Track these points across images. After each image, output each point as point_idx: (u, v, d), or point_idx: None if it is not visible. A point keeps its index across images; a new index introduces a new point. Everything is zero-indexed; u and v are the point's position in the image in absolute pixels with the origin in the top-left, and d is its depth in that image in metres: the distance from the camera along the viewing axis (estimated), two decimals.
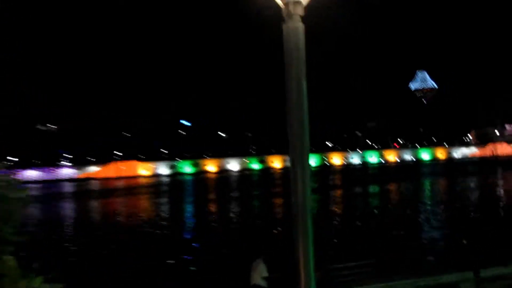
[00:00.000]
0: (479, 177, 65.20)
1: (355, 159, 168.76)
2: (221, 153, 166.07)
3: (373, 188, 55.21)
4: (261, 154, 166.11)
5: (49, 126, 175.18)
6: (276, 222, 27.74)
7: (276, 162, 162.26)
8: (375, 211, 32.70)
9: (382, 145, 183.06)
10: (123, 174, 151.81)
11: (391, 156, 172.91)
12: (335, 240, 20.74)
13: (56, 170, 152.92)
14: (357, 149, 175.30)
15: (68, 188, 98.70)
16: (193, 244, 22.04)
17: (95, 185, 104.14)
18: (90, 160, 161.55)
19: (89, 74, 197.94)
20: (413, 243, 20.97)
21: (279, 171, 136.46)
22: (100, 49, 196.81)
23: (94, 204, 50.90)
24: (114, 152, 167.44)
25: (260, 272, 11.14)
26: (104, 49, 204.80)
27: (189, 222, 30.45)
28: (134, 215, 36.87)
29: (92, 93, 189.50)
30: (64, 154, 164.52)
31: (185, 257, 18.84)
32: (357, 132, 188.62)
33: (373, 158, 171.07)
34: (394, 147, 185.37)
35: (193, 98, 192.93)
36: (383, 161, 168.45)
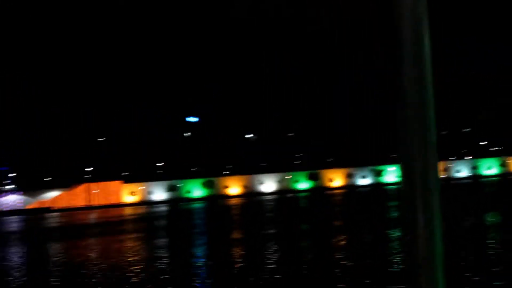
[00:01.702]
0: None
1: (462, 172, 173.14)
2: (249, 166, 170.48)
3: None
4: (312, 167, 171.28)
5: None
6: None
7: (336, 179, 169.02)
8: None
9: (506, 147, 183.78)
10: (97, 201, 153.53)
11: None
12: None
13: None
14: (465, 156, 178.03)
15: (9, 224, 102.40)
16: None
17: (52, 220, 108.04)
18: (46, 181, 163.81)
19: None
20: None
21: (340, 191, 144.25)
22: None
23: (49, 251, 48.14)
24: (84, 169, 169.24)
25: None
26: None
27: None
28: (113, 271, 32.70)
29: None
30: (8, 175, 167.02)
31: None
32: (463, 129, 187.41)
33: (492, 169, 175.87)
34: None
35: (206, 88, 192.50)
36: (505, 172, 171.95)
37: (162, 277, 29.01)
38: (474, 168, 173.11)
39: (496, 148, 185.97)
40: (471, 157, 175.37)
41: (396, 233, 39.36)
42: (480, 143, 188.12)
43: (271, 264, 30.18)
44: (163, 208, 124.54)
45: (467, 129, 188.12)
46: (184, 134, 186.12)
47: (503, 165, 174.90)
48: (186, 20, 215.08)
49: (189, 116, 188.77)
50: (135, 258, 37.68)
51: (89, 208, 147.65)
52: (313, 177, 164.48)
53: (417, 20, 2.34)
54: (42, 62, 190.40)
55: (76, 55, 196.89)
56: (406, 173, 2.36)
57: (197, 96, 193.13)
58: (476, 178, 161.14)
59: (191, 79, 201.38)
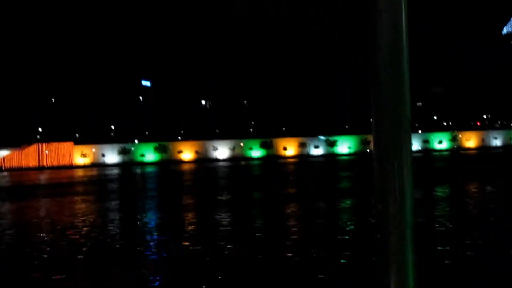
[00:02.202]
0: None
1: (414, 145, 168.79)
2: (202, 131, 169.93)
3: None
4: (265, 135, 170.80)
5: None
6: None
7: (289, 148, 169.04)
8: None
9: (456, 123, 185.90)
10: (48, 162, 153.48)
11: (472, 141, 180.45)
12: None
13: None
14: (419, 130, 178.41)
15: None
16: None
17: (1, 179, 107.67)
18: None
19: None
20: None
21: (292, 159, 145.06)
22: None
23: None
24: (35, 129, 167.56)
25: None
26: None
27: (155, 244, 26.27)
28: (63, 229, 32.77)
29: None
30: None
31: None
32: (417, 103, 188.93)
33: (442, 143, 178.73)
34: (476, 127, 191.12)
35: (159, 51, 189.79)
36: (456, 147, 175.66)
37: (110, 240, 28.61)
38: (425, 142, 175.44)
39: (448, 123, 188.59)
40: (420, 131, 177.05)
41: (346, 203, 39.63)
42: (432, 117, 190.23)
43: (222, 230, 30.13)
44: (115, 171, 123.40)
45: (419, 103, 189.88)
46: (139, 97, 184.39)
47: (453, 139, 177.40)
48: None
49: (144, 79, 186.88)
50: (84, 220, 37.15)
51: (40, 168, 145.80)
52: (266, 145, 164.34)
53: (394, 1, 2.33)
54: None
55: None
56: (379, 144, 2.36)
57: (152, 59, 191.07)
58: (427, 152, 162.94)
59: (147, 43, 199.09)
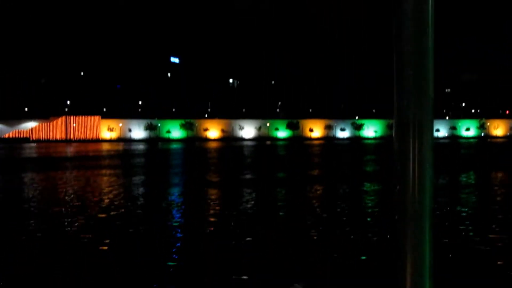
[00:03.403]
0: None
1: (441, 132, 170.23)
2: (229, 110, 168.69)
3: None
4: (292, 116, 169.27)
5: None
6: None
7: (315, 129, 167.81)
8: None
9: (484, 110, 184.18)
10: (75, 135, 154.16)
11: (499, 129, 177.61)
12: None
13: None
14: (446, 116, 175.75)
15: None
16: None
17: (29, 150, 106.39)
18: (26, 112, 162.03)
19: None
20: None
21: (317, 141, 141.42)
22: None
23: (26, 181, 46.59)
24: (64, 101, 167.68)
25: None
26: None
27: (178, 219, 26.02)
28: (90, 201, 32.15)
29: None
30: None
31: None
32: (446, 89, 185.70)
33: (469, 130, 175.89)
34: (505, 115, 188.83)
35: (188, 27, 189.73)
36: (483, 134, 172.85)
37: (137, 212, 28.77)
38: (453, 128, 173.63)
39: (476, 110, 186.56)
40: (448, 118, 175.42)
41: (371, 186, 39.48)
42: (460, 104, 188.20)
43: (246, 208, 30.12)
44: (141, 146, 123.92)
45: (448, 89, 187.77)
46: (167, 73, 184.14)
47: (481, 127, 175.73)
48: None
49: (173, 56, 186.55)
50: (110, 193, 37.33)
51: (67, 141, 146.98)
52: (292, 126, 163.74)
53: None
54: None
55: None
56: (400, 127, 2.32)
57: (182, 36, 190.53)
58: (454, 138, 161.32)
59: (176, 20, 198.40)
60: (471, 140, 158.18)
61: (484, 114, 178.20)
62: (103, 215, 27.21)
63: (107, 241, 20.98)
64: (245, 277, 15.53)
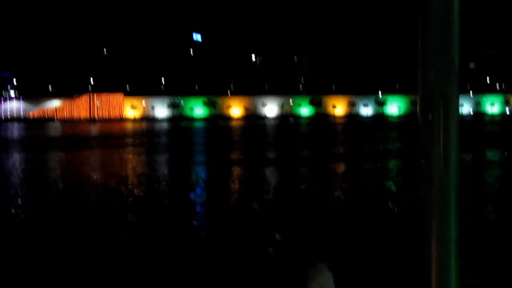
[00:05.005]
0: None
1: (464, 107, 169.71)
2: (251, 87, 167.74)
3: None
4: (315, 92, 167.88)
5: None
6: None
7: (338, 106, 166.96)
8: None
9: (510, 86, 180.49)
10: (99, 114, 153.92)
11: None
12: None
13: None
14: (470, 92, 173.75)
15: (10, 131, 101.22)
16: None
17: (53, 129, 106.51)
18: (49, 91, 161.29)
19: None
20: None
21: (342, 119, 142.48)
22: None
23: (50, 161, 48.21)
24: (87, 79, 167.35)
25: (322, 285, 10.08)
26: None
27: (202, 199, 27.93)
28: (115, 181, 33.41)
29: None
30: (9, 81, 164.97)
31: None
32: (470, 64, 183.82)
33: (494, 105, 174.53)
34: None
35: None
36: (508, 112, 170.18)
37: (161, 191, 29.40)
38: (477, 104, 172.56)
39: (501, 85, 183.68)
40: (472, 93, 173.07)
41: (393, 163, 39.92)
42: (485, 79, 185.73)
43: (269, 186, 30.55)
44: (165, 125, 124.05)
45: (472, 63, 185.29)
46: (190, 50, 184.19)
47: (506, 102, 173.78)
48: None
49: (195, 33, 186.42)
50: (135, 171, 37.95)
51: (91, 120, 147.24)
52: (315, 102, 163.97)
53: None
54: None
55: None
56: (426, 103, 2.36)
57: (204, 13, 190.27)
58: (478, 115, 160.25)
59: None
60: (496, 117, 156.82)
61: (509, 90, 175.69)
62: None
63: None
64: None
